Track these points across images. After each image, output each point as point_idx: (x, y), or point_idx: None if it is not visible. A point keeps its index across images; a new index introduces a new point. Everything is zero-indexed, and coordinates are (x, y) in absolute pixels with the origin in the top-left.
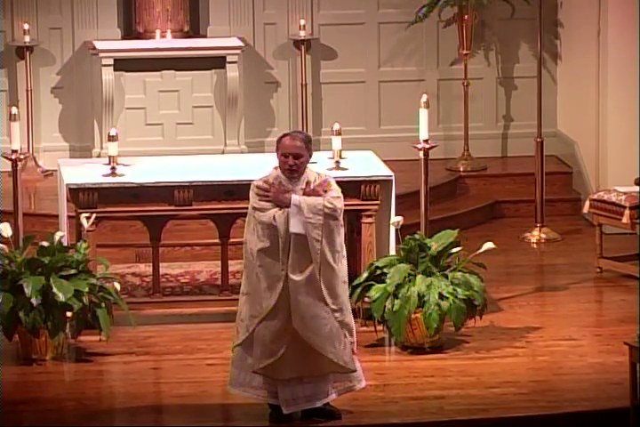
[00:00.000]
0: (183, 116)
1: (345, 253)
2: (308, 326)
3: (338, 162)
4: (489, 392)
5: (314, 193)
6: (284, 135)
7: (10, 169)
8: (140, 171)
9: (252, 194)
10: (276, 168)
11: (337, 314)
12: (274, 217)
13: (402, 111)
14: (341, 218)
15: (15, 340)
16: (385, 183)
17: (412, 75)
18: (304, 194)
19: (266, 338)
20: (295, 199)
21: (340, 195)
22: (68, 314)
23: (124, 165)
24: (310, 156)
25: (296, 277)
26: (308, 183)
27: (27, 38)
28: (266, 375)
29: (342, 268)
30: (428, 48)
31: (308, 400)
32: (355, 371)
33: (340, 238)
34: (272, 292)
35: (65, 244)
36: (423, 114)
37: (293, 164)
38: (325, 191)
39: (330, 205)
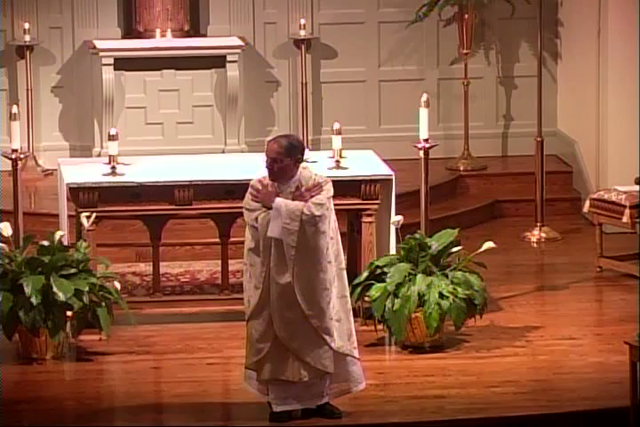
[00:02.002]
0: (183, 116)
1: (331, 259)
2: (286, 329)
3: (338, 161)
4: (489, 392)
5: (301, 197)
6: (274, 137)
7: (10, 168)
8: (141, 170)
9: (246, 193)
10: None
11: (313, 320)
12: (256, 218)
13: (402, 110)
14: (323, 225)
15: (15, 339)
16: (385, 182)
17: (412, 74)
18: (293, 198)
19: (253, 336)
20: (277, 203)
21: (325, 202)
22: (69, 313)
23: (124, 164)
24: (296, 161)
25: (279, 280)
26: (297, 187)
27: (27, 37)
28: (255, 371)
29: (324, 275)
30: (429, 47)
31: (299, 400)
32: (330, 373)
33: (324, 245)
34: (256, 291)
35: (65, 243)
36: (423, 113)
37: (271, 167)
38: (312, 196)
39: (307, 212)
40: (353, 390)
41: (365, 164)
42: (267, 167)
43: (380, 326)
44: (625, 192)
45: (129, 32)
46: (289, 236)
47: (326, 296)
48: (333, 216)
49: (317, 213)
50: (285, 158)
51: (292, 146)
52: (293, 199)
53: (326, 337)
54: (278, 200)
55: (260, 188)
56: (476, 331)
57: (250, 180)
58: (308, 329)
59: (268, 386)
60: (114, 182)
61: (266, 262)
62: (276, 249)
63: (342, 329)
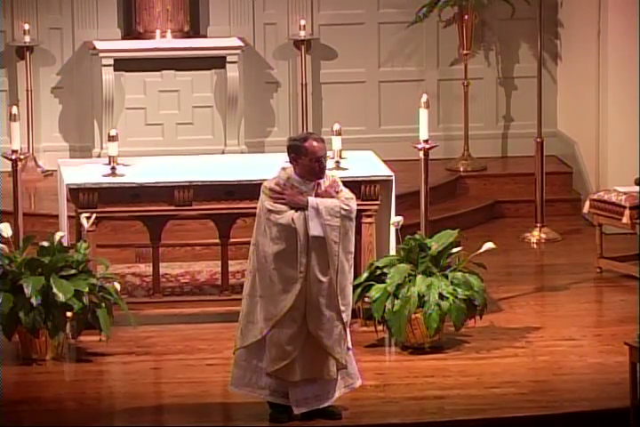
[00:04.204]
0: (183, 117)
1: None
2: (323, 327)
3: (338, 162)
4: (489, 392)
5: (326, 194)
6: (304, 140)
7: (10, 169)
8: (140, 171)
9: (263, 196)
10: (284, 169)
11: (344, 315)
12: (292, 219)
13: (402, 111)
14: (354, 218)
15: (15, 340)
16: (385, 183)
17: (412, 75)
18: (316, 195)
19: (281, 340)
20: (312, 202)
21: (353, 195)
22: (68, 314)
23: (124, 165)
24: None
25: (322, 278)
26: (318, 184)
27: (27, 38)
28: (279, 378)
29: (351, 268)
30: (428, 48)
31: (318, 399)
32: (346, 367)
33: (353, 239)
34: (287, 294)
35: (65, 244)
36: (423, 114)
37: (325, 164)
38: (337, 192)
39: (346, 207)
40: (356, 385)
41: (365, 164)
42: (320, 167)
43: (379, 327)
44: (625, 193)
45: (129, 33)
46: (332, 232)
47: (351, 289)
48: None
49: (355, 207)
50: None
51: None
52: (316, 197)
53: (348, 331)
54: (312, 199)
55: (282, 189)
56: (475, 332)
57: (250, 181)
58: (338, 324)
59: (288, 389)
60: (114, 183)
61: (304, 262)
62: (315, 247)
63: None
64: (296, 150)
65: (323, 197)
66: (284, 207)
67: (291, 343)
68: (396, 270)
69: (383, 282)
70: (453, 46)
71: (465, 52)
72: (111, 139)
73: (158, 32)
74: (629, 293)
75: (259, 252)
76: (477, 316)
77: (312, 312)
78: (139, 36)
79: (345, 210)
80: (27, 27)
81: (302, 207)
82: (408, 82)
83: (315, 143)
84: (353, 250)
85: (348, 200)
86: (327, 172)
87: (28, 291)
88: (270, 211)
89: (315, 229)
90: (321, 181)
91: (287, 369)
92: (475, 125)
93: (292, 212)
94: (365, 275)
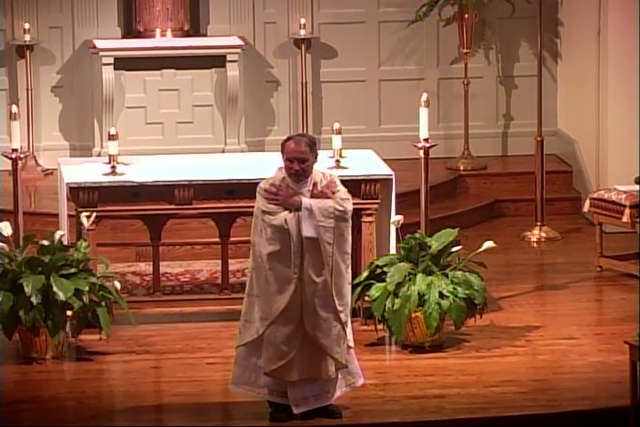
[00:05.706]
0: (183, 115)
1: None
2: (320, 327)
3: (338, 161)
4: (489, 391)
5: (322, 195)
6: (289, 139)
7: (10, 168)
8: (141, 170)
9: (258, 197)
10: (280, 169)
11: (342, 315)
12: (285, 220)
13: (402, 110)
14: (350, 219)
15: (15, 339)
16: (385, 182)
17: (413, 74)
18: (311, 196)
19: (277, 340)
20: (306, 203)
21: (349, 196)
22: (69, 313)
23: (124, 163)
24: (316, 158)
25: (316, 279)
26: (314, 185)
27: (27, 37)
28: (277, 377)
29: (348, 269)
30: (429, 47)
31: (317, 399)
32: (347, 366)
33: (349, 240)
34: (282, 294)
35: (65, 243)
36: (423, 113)
37: (299, 168)
38: (333, 193)
39: (340, 208)
40: (357, 384)
41: (365, 163)
42: (294, 169)
43: (380, 326)
44: (625, 192)
45: (129, 32)
46: (325, 233)
47: (349, 290)
48: None
49: (350, 208)
50: (311, 157)
51: (312, 143)
52: (312, 197)
53: (347, 331)
54: (306, 200)
55: (276, 190)
56: (476, 331)
57: (250, 179)
58: (336, 324)
59: (287, 388)
60: (114, 182)
61: (297, 263)
62: (309, 248)
63: None
64: (281, 147)
65: (318, 197)
66: (277, 208)
67: (287, 343)
68: (396, 269)
69: (383, 281)
70: (453, 45)
71: (465, 50)
72: (111, 138)
73: (158, 31)
74: (629, 291)
75: (255, 252)
76: (477, 315)
77: (308, 313)
78: (139, 35)
79: (339, 211)
80: (27, 26)
81: (297, 208)
82: (408, 81)
83: (292, 143)
84: (349, 250)
85: (344, 201)
86: (326, 171)
87: (28, 290)
88: (264, 212)
89: (307, 231)
90: (318, 180)
91: (285, 369)
92: (475, 124)
93: (286, 213)
94: (365, 274)
